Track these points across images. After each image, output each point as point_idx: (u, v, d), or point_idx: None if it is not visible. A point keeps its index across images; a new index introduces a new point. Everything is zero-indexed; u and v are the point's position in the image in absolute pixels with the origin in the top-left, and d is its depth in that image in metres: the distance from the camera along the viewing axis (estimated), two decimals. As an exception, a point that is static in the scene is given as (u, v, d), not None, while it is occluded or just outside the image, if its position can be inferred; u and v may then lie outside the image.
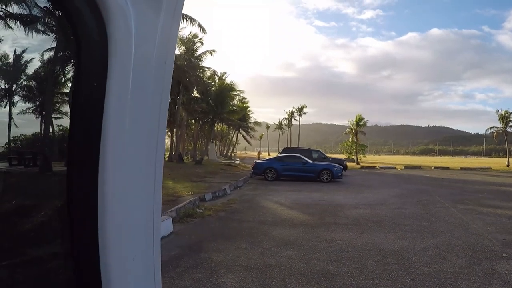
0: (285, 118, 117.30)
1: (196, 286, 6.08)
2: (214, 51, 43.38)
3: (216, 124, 55.71)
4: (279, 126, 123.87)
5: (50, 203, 1.56)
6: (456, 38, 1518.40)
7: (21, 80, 1.60)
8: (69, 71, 1.60)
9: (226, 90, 47.51)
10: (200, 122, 50.18)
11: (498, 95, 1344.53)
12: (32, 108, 1.66)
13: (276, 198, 17.09)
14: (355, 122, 70.44)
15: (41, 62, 1.48)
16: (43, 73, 1.59)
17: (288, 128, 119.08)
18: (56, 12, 1.16)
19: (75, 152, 0.97)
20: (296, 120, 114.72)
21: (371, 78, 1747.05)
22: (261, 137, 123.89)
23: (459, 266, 7.47)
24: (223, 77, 57.79)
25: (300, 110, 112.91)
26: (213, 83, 50.89)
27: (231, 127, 72.66)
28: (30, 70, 1.51)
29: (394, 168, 51.53)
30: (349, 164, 47.84)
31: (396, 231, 10.43)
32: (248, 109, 71.71)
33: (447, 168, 53.08)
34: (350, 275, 6.86)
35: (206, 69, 48.07)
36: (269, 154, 75.88)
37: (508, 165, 60.69)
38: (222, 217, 12.12)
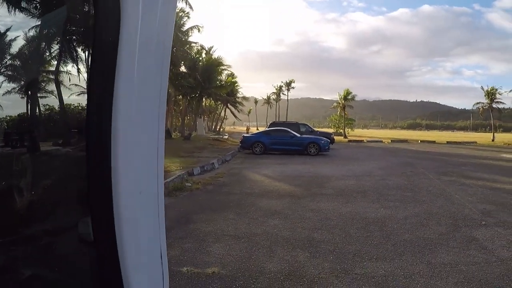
0: (273, 92, 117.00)
1: (186, 255, 6.22)
2: (201, 26, 43.11)
3: (204, 99, 55.49)
4: (268, 101, 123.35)
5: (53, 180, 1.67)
6: (447, 15, 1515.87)
7: (5, 60, 1.56)
8: (55, 49, 1.66)
9: (213, 65, 47.11)
10: (188, 97, 49.83)
11: (486, 72, 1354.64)
12: (17, 88, 1.60)
13: (263, 171, 17.25)
14: (343, 96, 70.68)
15: (25, 41, 1.46)
16: (28, 52, 1.58)
17: (277, 102, 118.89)
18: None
19: (91, 126, 1.11)
20: (285, 94, 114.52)
21: (361, 53, 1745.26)
22: (249, 112, 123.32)
23: (439, 233, 7.73)
24: (211, 52, 57.40)
25: (289, 85, 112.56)
26: (201, 58, 50.48)
27: (219, 102, 72.37)
28: (14, 49, 1.49)
29: (381, 141, 51.88)
30: (336, 138, 48.08)
31: (380, 201, 10.69)
32: (236, 84, 71.30)
33: (434, 142, 53.45)
34: (334, 241, 7.07)
35: (194, 44, 47.77)
36: (257, 129, 75.74)
37: (493, 140, 61.37)
38: (210, 190, 12.25)
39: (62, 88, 1.70)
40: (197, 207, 9.66)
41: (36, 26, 1.40)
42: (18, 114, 1.65)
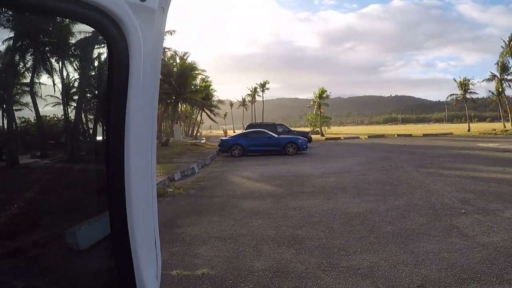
0: (248, 94, 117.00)
1: (174, 259, 6.27)
2: (173, 31, 43.04)
3: (179, 104, 55.28)
4: (243, 103, 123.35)
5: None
6: (418, 8, 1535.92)
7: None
8: (28, 60, 1.68)
9: (188, 70, 46.91)
10: (164, 103, 49.65)
11: (459, 63, 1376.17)
12: None
13: (244, 173, 17.32)
14: (318, 95, 71.06)
15: None
16: (1, 65, 1.58)
17: (252, 104, 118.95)
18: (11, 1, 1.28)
19: (109, 130, 1.32)
20: (260, 96, 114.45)
21: (334, 50, 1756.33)
22: (225, 115, 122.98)
23: (420, 223, 7.92)
24: (185, 57, 57.25)
25: (263, 86, 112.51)
26: (175, 64, 50.30)
27: (195, 107, 72.11)
28: None
29: (358, 138, 52.51)
30: (314, 136, 48.35)
31: (361, 196, 10.86)
32: (211, 87, 71.09)
33: (410, 135, 54.29)
34: (318, 237, 7.20)
35: (167, 50, 47.64)
36: (234, 131, 75.76)
37: (469, 130, 62.44)
38: (192, 194, 12.30)
39: (37, 99, 1.69)
40: (181, 212, 9.69)
41: (9, 39, 1.42)
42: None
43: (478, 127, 77.96)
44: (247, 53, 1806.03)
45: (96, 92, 1.92)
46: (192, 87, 49.09)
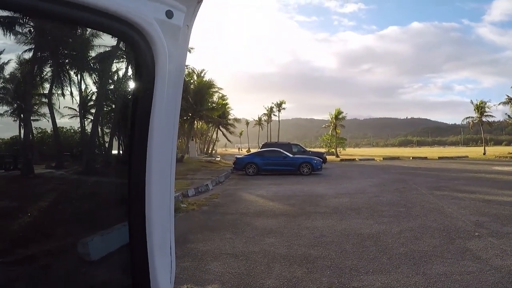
0: (264, 114, 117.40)
1: (185, 273, 6.30)
2: (192, 48, 43.49)
3: (195, 121, 55.57)
4: (259, 122, 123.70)
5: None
6: (436, 31, 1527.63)
7: (-2, 83, 1.59)
8: (48, 71, 1.72)
9: (205, 88, 47.35)
10: (180, 120, 49.88)
11: (477, 86, 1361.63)
12: (9, 111, 1.61)
13: (258, 192, 17.30)
14: (334, 116, 71.12)
15: (18, 64, 1.49)
16: (20, 75, 1.57)
17: (268, 123, 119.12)
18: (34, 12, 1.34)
19: (133, 141, 1.38)
20: (276, 115, 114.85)
21: (351, 71, 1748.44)
22: (241, 134, 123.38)
23: (433, 245, 7.85)
24: (202, 74, 57.75)
25: (279, 106, 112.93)
26: (192, 81, 50.75)
27: (211, 124, 72.48)
28: (6, 72, 1.49)
29: (373, 159, 52.08)
30: (328, 157, 48.21)
31: (374, 217, 10.80)
32: (228, 105, 71.54)
33: (425, 158, 53.77)
34: (330, 257, 7.17)
35: (185, 67, 48.16)
36: (249, 150, 75.91)
37: (484, 153, 62.04)
38: (205, 210, 12.33)
39: (55, 111, 1.73)
40: (193, 227, 9.72)
41: (30, 49, 1.46)
42: (10, 137, 1.67)
43: (493, 150, 77.21)
44: (265, 72, 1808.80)
45: (114, 106, 1.98)
46: (209, 104, 49.43)
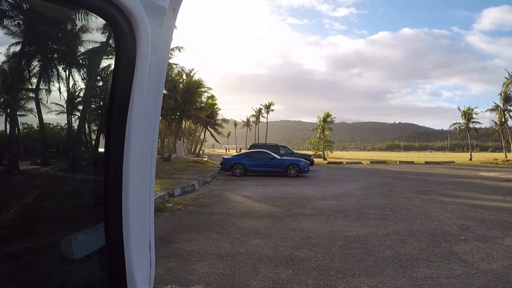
0: (253, 115, 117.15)
1: (170, 274, 6.22)
2: (182, 47, 43.41)
3: (183, 121, 55.36)
4: (247, 123, 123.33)
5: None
6: (427, 37, 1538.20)
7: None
8: (35, 66, 1.66)
9: (193, 87, 47.08)
10: (168, 119, 49.70)
11: (465, 93, 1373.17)
12: None
13: (244, 192, 17.26)
14: (322, 119, 71.32)
15: (5, 57, 1.44)
16: (8, 69, 1.54)
17: (256, 125, 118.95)
18: (24, 6, 1.29)
19: (111, 128, 1.31)
20: (264, 117, 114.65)
21: (341, 75, 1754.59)
22: (229, 134, 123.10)
23: (419, 248, 7.86)
24: (191, 74, 57.59)
25: (268, 107, 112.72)
26: (181, 80, 50.55)
27: (199, 124, 72.32)
28: None
29: (360, 163, 52.49)
30: (316, 159, 48.44)
31: (360, 220, 10.80)
32: (216, 106, 71.36)
33: (412, 162, 54.40)
34: (316, 259, 7.14)
35: (174, 66, 47.98)
36: (236, 151, 75.91)
37: (470, 159, 63.20)
38: (191, 210, 12.23)
39: (42, 106, 1.69)
40: (179, 227, 9.62)
41: (17, 43, 1.41)
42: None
43: (479, 156, 78.49)
44: (254, 73, 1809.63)
45: (102, 103, 1.89)
46: (197, 104, 49.19)
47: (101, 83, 1.88)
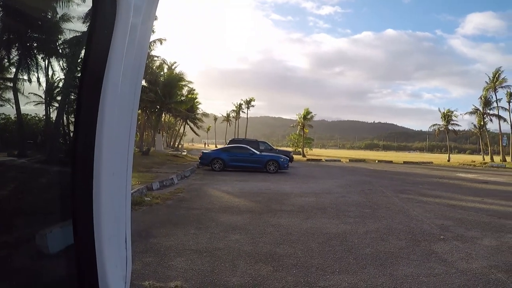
0: (233, 110, 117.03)
1: (147, 269, 6.07)
2: (164, 39, 42.94)
3: (163, 114, 54.98)
4: (227, 118, 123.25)
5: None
6: (410, 39, 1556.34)
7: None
8: (14, 56, 1.58)
9: (175, 80, 46.73)
10: (147, 112, 49.32)
11: (445, 95, 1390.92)
12: None
13: (223, 187, 17.15)
14: (303, 116, 71.70)
15: None
16: None
17: (236, 120, 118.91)
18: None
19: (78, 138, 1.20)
20: (244, 112, 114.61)
21: (323, 73, 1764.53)
22: (208, 129, 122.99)
23: (399, 247, 7.88)
24: (173, 67, 57.14)
25: (248, 103, 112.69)
26: (162, 73, 50.17)
27: (179, 118, 71.96)
28: None
29: (340, 161, 52.88)
30: (295, 156, 48.63)
31: (340, 217, 10.79)
32: (197, 100, 71.10)
33: (391, 162, 54.99)
34: (296, 256, 7.07)
35: (156, 58, 47.58)
36: (216, 146, 75.80)
37: (448, 160, 64.57)
38: (170, 205, 12.08)
39: (20, 97, 1.64)
40: (157, 222, 9.46)
41: None
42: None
43: (457, 158, 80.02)
44: (236, 69, 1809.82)
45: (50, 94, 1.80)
46: (178, 97, 48.87)
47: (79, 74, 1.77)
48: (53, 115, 1.73)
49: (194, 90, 68.02)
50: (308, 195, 15.28)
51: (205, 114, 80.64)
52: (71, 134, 1.69)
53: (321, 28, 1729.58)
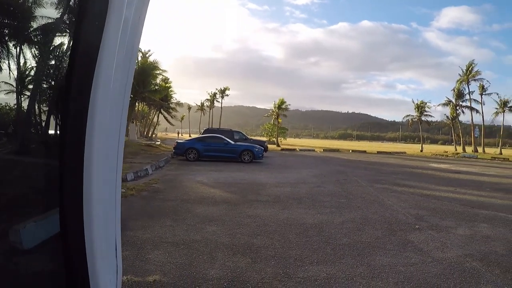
0: (207, 99, 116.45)
1: (124, 263, 5.92)
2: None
3: (137, 104, 54.43)
4: (201, 107, 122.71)
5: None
6: (385, 31, 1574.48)
7: None
8: None
9: (149, 69, 46.34)
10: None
11: (419, 87, 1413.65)
12: None
13: (198, 178, 17.04)
14: (277, 105, 71.92)
15: None
16: None
17: (210, 109, 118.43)
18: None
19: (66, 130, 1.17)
20: (218, 101, 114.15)
21: (298, 63, 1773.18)
22: (182, 118, 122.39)
23: (375, 236, 7.98)
24: (147, 55, 56.53)
25: (223, 92, 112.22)
26: (136, 61, 49.60)
27: (152, 107, 71.36)
28: None
29: (314, 150, 53.19)
30: (270, 146, 48.73)
31: (316, 207, 10.85)
32: (171, 89, 70.58)
33: (365, 151, 55.60)
34: (274, 247, 7.07)
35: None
36: (190, 136, 75.41)
37: (421, 151, 65.99)
38: (145, 196, 11.94)
39: None
40: (132, 214, 9.33)
41: None
42: None
43: (430, 148, 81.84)
44: (211, 58, 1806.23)
45: (53, 83, 1.75)
46: (152, 86, 48.46)
47: (53, 62, 1.74)
48: (25, 105, 1.68)
49: (169, 79, 67.55)
50: (284, 185, 15.32)
51: (179, 104, 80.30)
52: (43, 124, 1.64)
53: (297, 18, 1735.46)
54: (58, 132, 1.46)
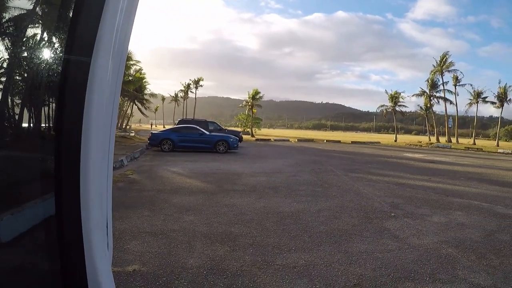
0: (181, 90, 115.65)
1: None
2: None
3: (110, 94, 53.75)
4: (175, 98, 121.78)
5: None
6: (360, 22, 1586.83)
7: None
8: None
9: (121, 60, 45.78)
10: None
11: (393, 77, 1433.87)
12: None
13: (174, 168, 17.00)
14: (251, 96, 71.87)
15: None
16: None
17: (184, 100, 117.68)
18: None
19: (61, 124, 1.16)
20: (193, 92, 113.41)
21: (273, 54, 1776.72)
22: (156, 109, 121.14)
23: (352, 224, 8.09)
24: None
25: (197, 83, 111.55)
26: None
27: (126, 99, 70.61)
28: None
29: (288, 140, 53.42)
30: (244, 136, 48.81)
31: (292, 196, 10.94)
32: (145, 80, 69.86)
33: (339, 141, 56.12)
34: (251, 235, 7.12)
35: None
36: (164, 127, 74.89)
37: (395, 140, 66.97)
38: (121, 187, 11.83)
39: None
40: (108, 204, 9.22)
41: None
42: None
43: (404, 138, 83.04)
44: (185, 48, 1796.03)
45: (26, 75, 1.74)
46: (126, 77, 47.86)
47: (26, 55, 1.69)
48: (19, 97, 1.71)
49: (142, 69, 66.83)
50: (260, 175, 15.37)
51: (153, 95, 79.49)
52: (16, 116, 1.66)
53: (272, 9, 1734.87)
54: (31, 124, 1.47)
